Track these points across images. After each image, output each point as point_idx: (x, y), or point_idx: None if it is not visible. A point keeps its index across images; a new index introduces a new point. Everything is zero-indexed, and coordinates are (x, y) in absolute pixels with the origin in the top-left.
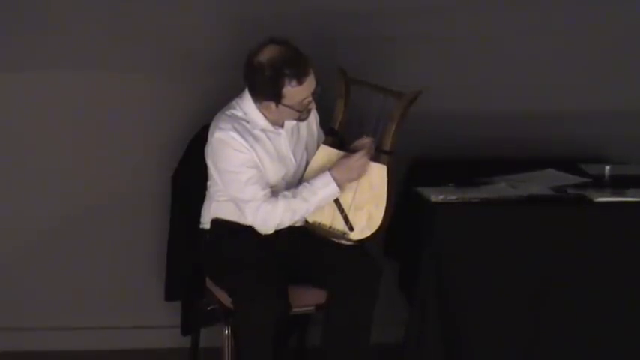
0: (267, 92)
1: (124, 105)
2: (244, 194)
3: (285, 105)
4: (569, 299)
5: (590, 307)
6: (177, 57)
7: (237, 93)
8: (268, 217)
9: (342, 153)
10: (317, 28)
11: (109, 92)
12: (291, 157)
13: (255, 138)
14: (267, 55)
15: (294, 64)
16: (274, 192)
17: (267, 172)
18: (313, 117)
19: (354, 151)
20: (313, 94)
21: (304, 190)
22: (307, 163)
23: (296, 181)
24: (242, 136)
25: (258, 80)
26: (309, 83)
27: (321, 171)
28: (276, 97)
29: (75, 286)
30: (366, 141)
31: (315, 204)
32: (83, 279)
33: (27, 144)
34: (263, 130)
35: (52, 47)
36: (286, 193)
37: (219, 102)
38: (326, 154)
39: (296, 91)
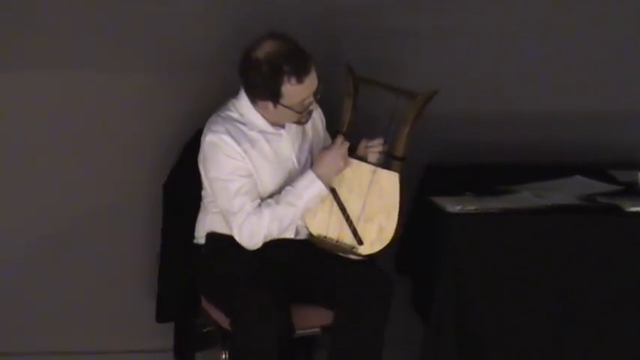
0: (264, 91)
1: (111, 108)
2: (232, 205)
3: (283, 105)
4: (599, 318)
5: (619, 326)
6: (170, 55)
7: (233, 95)
8: (254, 230)
9: (349, 158)
10: (319, 21)
11: (94, 94)
12: (294, 160)
13: (252, 142)
14: (264, 50)
15: (294, 61)
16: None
17: (265, 178)
18: (319, 118)
19: (361, 157)
20: (315, 94)
21: (288, 194)
22: None
23: None
24: (236, 140)
25: (254, 77)
26: (311, 82)
27: None
28: (274, 96)
29: (56, 307)
30: (374, 144)
31: (302, 207)
32: (65, 299)
33: (5, 151)
34: (261, 132)
35: (33, 46)
36: (269, 200)
37: (215, 103)
38: None
39: (296, 90)
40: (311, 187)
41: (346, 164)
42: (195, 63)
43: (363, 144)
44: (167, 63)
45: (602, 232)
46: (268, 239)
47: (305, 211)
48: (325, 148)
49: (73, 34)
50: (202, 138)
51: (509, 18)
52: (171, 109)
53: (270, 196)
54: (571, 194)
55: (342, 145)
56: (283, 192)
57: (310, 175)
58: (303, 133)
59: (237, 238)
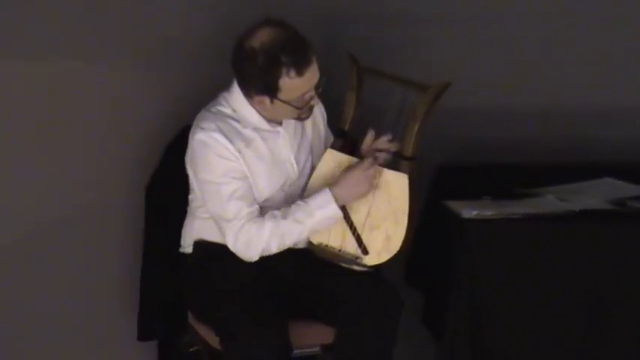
0: (260, 85)
1: (88, 102)
2: (226, 211)
3: (281, 100)
4: (627, 333)
5: None
6: (154, 44)
7: (225, 87)
8: (252, 240)
9: (353, 159)
10: (318, 6)
11: (70, 86)
12: (293, 161)
13: (246, 140)
14: (260, 39)
15: (293, 51)
16: (265, 209)
17: (261, 181)
18: (319, 114)
19: (367, 156)
20: (316, 87)
21: (298, 209)
22: (313, 169)
23: (299, 191)
24: (228, 139)
25: (248, 70)
26: (312, 74)
27: (327, 180)
28: (271, 90)
29: (26, 324)
30: (381, 143)
31: (310, 227)
32: (36, 315)
33: None
34: (256, 130)
35: (5, 36)
36: (276, 212)
37: (204, 97)
38: (334, 159)
39: (295, 84)
40: (326, 207)
41: (371, 189)
42: (181, 52)
43: (368, 142)
44: (148, 52)
45: (634, 240)
46: (266, 254)
47: (312, 233)
48: (351, 168)
49: (44, 21)
50: (190, 136)
51: (525, 1)
52: (153, 104)
53: (266, 201)
54: (600, 198)
55: (369, 167)
56: (293, 206)
57: (327, 195)
58: (302, 131)
59: (231, 246)
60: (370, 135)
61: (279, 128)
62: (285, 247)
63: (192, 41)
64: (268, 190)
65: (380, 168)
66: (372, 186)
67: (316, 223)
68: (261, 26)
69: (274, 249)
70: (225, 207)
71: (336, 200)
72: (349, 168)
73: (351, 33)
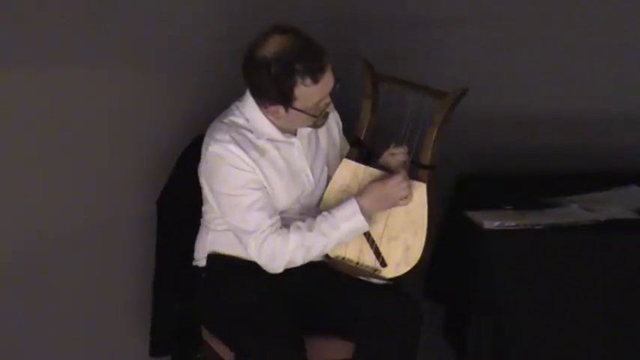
0: (275, 94)
1: (97, 111)
2: (247, 223)
3: (297, 109)
4: None
5: None
6: (163, 54)
7: (238, 95)
8: (277, 252)
9: (369, 169)
10: (329, 10)
11: (77, 94)
12: (308, 172)
13: (261, 151)
14: (272, 47)
15: (308, 58)
16: (285, 220)
17: (276, 193)
18: (334, 122)
19: (383, 167)
20: (331, 93)
21: (324, 221)
22: (329, 180)
23: (315, 203)
24: (244, 150)
25: (262, 80)
26: (327, 81)
27: (343, 192)
28: (286, 99)
29: (35, 340)
30: (399, 152)
31: (336, 240)
32: (46, 331)
33: None
34: (271, 140)
35: (10, 43)
36: (300, 224)
37: (215, 107)
38: (350, 169)
39: (311, 92)
40: (352, 219)
41: (406, 202)
42: (191, 60)
43: (385, 151)
44: (158, 62)
45: None
46: (291, 266)
47: (338, 245)
48: (380, 180)
49: (51, 28)
50: (204, 148)
51: (546, 2)
52: (164, 115)
53: (282, 213)
54: (626, 207)
55: (401, 180)
56: (319, 218)
57: (353, 206)
58: (317, 142)
59: (255, 258)
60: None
61: (293, 139)
62: (309, 259)
63: (203, 50)
64: (286, 201)
65: (414, 182)
66: (401, 202)
67: (342, 235)
68: (272, 34)
69: (299, 261)
70: (246, 219)
71: (362, 211)
72: (379, 180)
73: (364, 38)
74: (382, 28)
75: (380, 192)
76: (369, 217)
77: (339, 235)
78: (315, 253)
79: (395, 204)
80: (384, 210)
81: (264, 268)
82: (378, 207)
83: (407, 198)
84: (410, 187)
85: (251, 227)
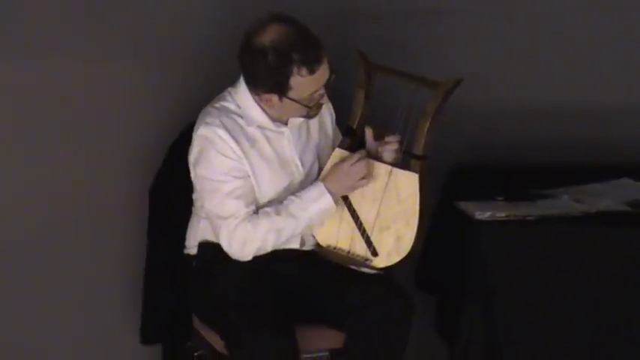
0: (270, 83)
1: (89, 102)
2: (223, 209)
3: (291, 99)
4: None
5: None
6: (155, 39)
7: (231, 84)
8: (248, 238)
9: (370, 162)
10: (328, 2)
11: (69, 84)
12: (298, 162)
13: (250, 139)
14: (270, 36)
15: (305, 49)
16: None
17: (264, 182)
18: (327, 113)
19: (376, 157)
20: (326, 85)
21: (291, 204)
22: (320, 171)
23: None
24: (232, 136)
25: (258, 68)
26: (323, 72)
27: None
28: (281, 88)
29: (24, 328)
30: (392, 140)
31: (305, 221)
32: (36, 319)
33: None
34: (261, 128)
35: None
36: (268, 209)
37: (207, 96)
38: (342, 159)
39: (306, 82)
40: (320, 200)
41: (366, 182)
42: (185, 49)
43: (369, 140)
44: (151, 48)
45: None
46: (261, 252)
47: (307, 227)
48: (341, 161)
49: (40, 18)
50: (194, 131)
51: None
52: (156, 103)
53: (269, 203)
54: (617, 199)
55: (359, 160)
56: (285, 202)
57: (320, 187)
58: (308, 133)
59: (225, 245)
60: (368, 132)
61: (283, 128)
62: (280, 244)
63: (196, 38)
64: (272, 191)
65: (372, 161)
66: (366, 179)
67: (311, 216)
68: (270, 22)
69: (270, 246)
70: (223, 205)
71: (329, 192)
72: (340, 161)
73: (360, 29)
74: (377, 19)
75: (340, 171)
76: (336, 198)
77: (308, 216)
78: (285, 237)
79: (355, 184)
80: (347, 191)
81: (233, 256)
82: (339, 186)
83: (365, 178)
84: (369, 167)
85: (226, 213)
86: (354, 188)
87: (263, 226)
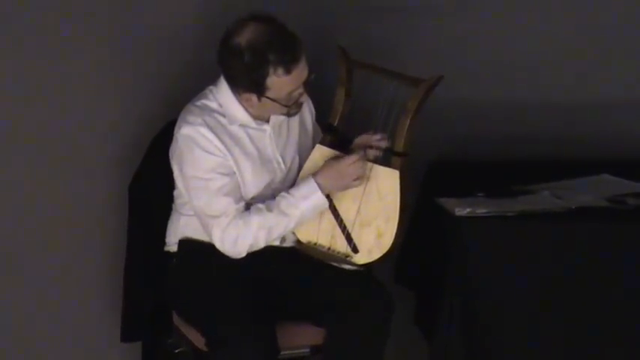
0: (247, 83)
1: (70, 98)
2: (212, 208)
3: (269, 98)
4: (627, 340)
5: None
6: (135, 34)
7: (213, 81)
8: (239, 236)
9: (342, 155)
10: None
11: (52, 81)
12: (279, 159)
13: (233, 136)
14: (246, 35)
15: (281, 48)
16: (250, 205)
17: (247, 179)
18: (308, 111)
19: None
20: (305, 84)
21: (283, 201)
22: (301, 167)
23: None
24: (215, 134)
25: (235, 67)
26: (300, 72)
27: None
28: (258, 88)
29: (7, 323)
30: (372, 138)
31: (297, 218)
32: (15, 316)
33: None
34: (243, 126)
35: None
36: (260, 205)
37: (189, 92)
38: (323, 155)
39: (283, 82)
40: (310, 197)
41: (358, 183)
42: (166, 44)
43: (363, 139)
44: (132, 43)
45: (632, 238)
46: (254, 249)
47: (299, 224)
48: (336, 158)
49: (26, 15)
50: (176, 130)
51: None
52: (137, 100)
53: (253, 200)
54: (597, 195)
55: (356, 160)
56: (277, 198)
57: (311, 184)
58: (288, 130)
59: (218, 244)
60: (367, 134)
61: (265, 126)
62: (272, 240)
63: (178, 35)
64: (255, 188)
65: (369, 163)
66: (360, 180)
67: (302, 213)
68: (248, 22)
69: (262, 243)
70: (213, 203)
71: (321, 189)
72: (334, 158)
73: (340, 26)
74: (359, 16)
75: (335, 170)
76: (328, 195)
77: (299, 214)
78: (276, 234)
79: (349, 184)
80: (339, 189)
81: (226, 254)
82: (333, 185)
83: (360, 179)
84: (365, 168)
85: (216, 212)
86: (346, 188)
87: (254, 224)
